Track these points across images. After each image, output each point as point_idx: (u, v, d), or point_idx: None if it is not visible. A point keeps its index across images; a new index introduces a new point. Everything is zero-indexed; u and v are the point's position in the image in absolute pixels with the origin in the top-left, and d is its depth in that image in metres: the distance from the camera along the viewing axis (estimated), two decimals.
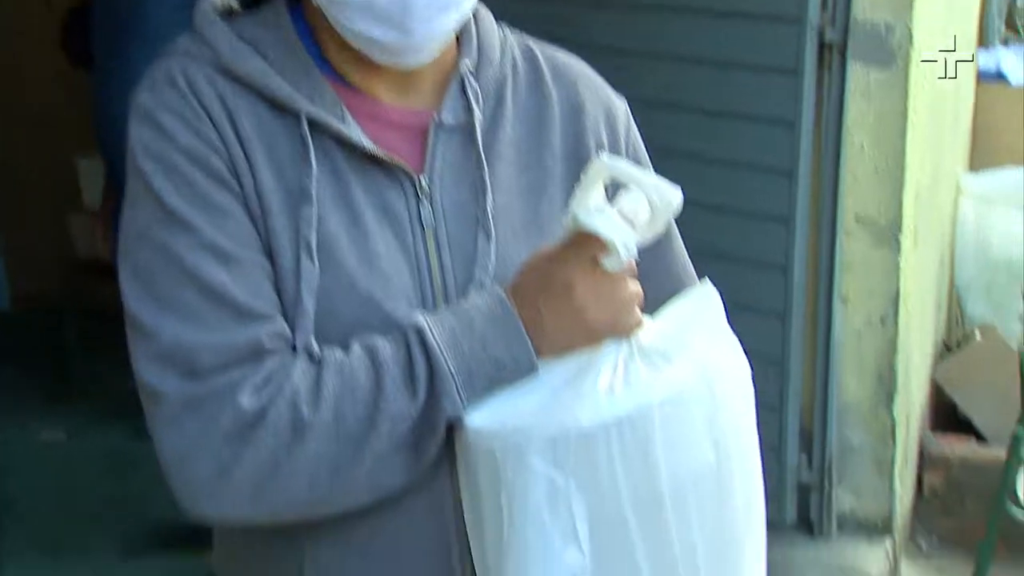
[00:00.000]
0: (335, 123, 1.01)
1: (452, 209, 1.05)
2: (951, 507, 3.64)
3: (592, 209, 0.92)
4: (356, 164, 1.02)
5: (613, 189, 0.97)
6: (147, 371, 0.97)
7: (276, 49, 1.02)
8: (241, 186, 0.99)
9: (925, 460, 3.66)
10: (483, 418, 0.97)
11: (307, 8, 1.05)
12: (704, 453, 0.94)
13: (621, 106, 1.17)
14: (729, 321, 1.02)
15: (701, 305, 1.01)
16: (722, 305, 1.01)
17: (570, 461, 0.92)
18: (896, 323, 3.16)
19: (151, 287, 0.97)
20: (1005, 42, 4.88)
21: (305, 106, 1.01)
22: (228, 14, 1.06)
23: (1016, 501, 2.95)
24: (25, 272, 4.34)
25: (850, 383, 3.25)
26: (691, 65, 2.94)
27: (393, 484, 0.99)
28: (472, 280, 1.03)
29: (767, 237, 3.12)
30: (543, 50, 1.15)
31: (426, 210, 1.04)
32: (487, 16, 1.13)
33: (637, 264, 0.99)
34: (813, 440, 3.27)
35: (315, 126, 1.01)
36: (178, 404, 0.95)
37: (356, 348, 0.98)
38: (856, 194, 3.07)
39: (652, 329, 0.99)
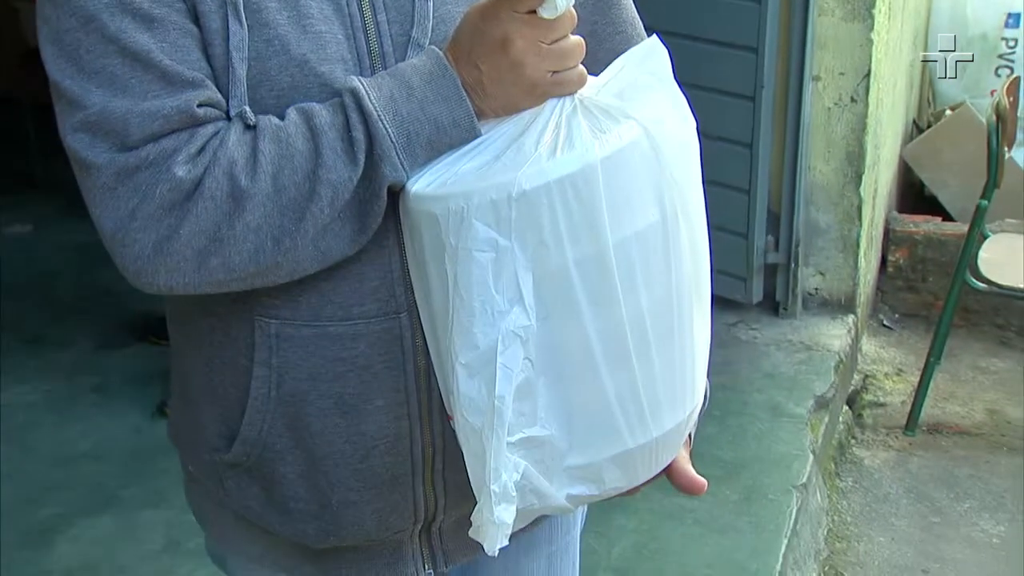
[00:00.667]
0: None
1: None
2: (914, 283, 3.72)
3: None
4: None
5: None
6: (76, 141, 0.94)
7: None
8: None
9: (890, 239, 3.70)
10: (425, 183, 0.95)
11: None
12: (649, 212, 0.93)
13: None
14: (693, 101, 0.99)
15: (647, 60, 0.98)
16: (669, 60, 0.98)
17: (513, 223, 0.91)
18: (867, 101, 3.13)
19: (73, 54, 0.93)
20: None
21: None
22: None
23: (975, 272, 3.00)
24: None
25: (818, 164, 3.25)
26: None
27: (339, 252, 0.98)
28: (410, 41, 0.99)
29: (739, 16, 3.05)
30: None
31: None
32: None
33: (580, 19, 0.95)
34: (780, 221, 3.29)
35: None
36: (111, 175, 0.93)
37: (292, 114, 0.96)
38: None
39: (596, 85, 0.96)
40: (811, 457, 2.75)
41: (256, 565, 1.18)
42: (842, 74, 3.10)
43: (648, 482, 1.02)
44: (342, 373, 1.04)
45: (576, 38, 0.95)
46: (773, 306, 3.38)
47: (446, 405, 1.03)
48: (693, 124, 0.97)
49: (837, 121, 3.17)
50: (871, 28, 3.01)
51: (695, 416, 1.04)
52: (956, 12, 3.90)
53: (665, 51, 0.98)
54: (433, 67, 0.96)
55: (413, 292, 1.02)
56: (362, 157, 0.95)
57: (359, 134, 0.94)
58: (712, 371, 1.06)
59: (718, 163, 3.16)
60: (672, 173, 0.94)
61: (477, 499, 0.94)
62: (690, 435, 1.06)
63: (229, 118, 0.96)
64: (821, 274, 3.36)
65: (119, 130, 0.92)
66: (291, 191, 0.94)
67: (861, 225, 3.28)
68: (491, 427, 0.92)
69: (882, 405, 3.33)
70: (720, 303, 3.24)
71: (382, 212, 0.97)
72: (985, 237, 3.06)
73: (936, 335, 3.11)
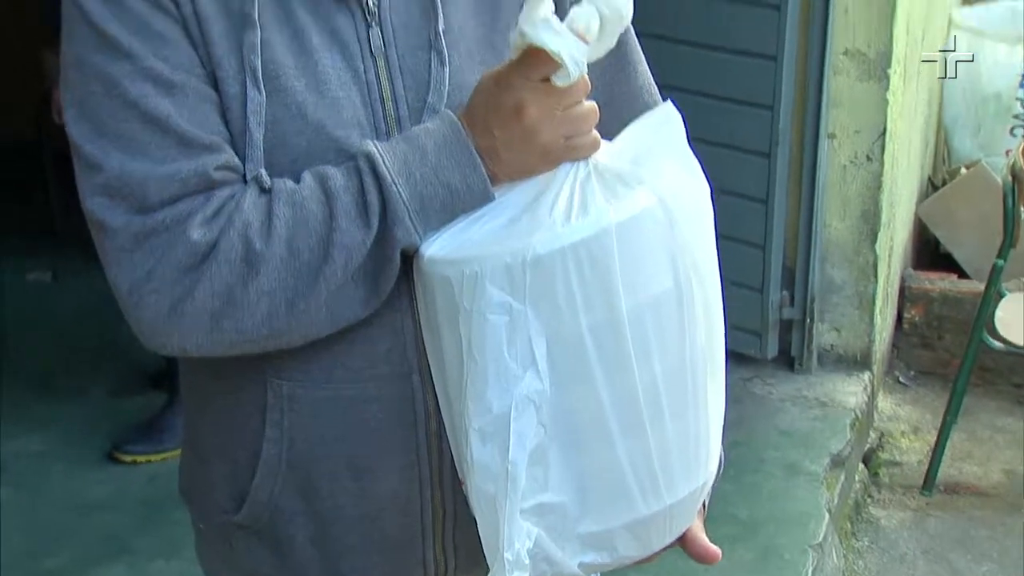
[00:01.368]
0: None
1: (403, 32, 1.01)
2: (930, 341, 3.69)
3: (540, 23, 0.89)
4: None
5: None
6: (94, 203, 0.95)
7: None
8: (180, 10, 0.95)
9: (906, 296, 3.69)
10: (439, 247, 0.96)
11: None
12: (663, 279, 0.93)
13: None
14: (709, 157, 0.99)
15: (661, 126, 0.98)
16: (683, 126, 0.98)
17: (527, 287, 0.91)
18: (882, 160, 3.13)
19: (94, 118, 0.95)
20: None
21: None
22: None
23: (992, 331, 2.98)
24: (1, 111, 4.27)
25: (834, 220, 3.25)
26: None
27: (352, 315, 0.98)
28: (426, 107, 1.00)
29: (754, 74, 3.06)
30: None
31: (375, 35, 1.00)
32: None
33: (595, 86, 0.96)
34: (796, 277, 3.29)
35: None
36: (128, 238, 0.94)
37: (307, 178, 0.96)
38: (846, 27, 3.01)
39: (610, 151, 0.96)
40: (827, 516, 2.72)
41: None
42: (857, 132, 3.11)
43: (662, 551, 1.01)
44: (354, 435, 1.03)
45: (590, 104, 0.95)
46: (788, 362, 3.36)
47: (458, 469, 1.02)
48: (708, 191, 0.98)
49: (852, 179, 3.18)
50: (887, 88, 3.02)
51: (710, 484, 1.03)
52: (970, 71, 3.91)
53: (680, 117, 0.99)
54: (447, 132, 0.96)
55: (426, 355, 1.02)
56: (376, 221, 0.95)
57: (373, 198, 0.95)
58: (727, 427, 1.05)
59: (734, 218, 3.16)
60: (686, 240, 0.94)
61: (489, 566, 0.93)
62: (704, 503, 1.06)
63: (245, 181, 0.97)
64: (837, 330, 3.35)
65: (137, 193, 0.94)
66: (305, 254, 0.95)
67: (877, 282, 3.27)
68: (504, 493, 0.92)
69: (898, 464, 3.29)
70: (735, 358, 3.23)
71: (395, 275, 0.98)
72: (1002, 296, 3.04)
73: (953, 394, 3.08)
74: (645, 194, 0.92)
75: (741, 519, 2.67)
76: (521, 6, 1.01)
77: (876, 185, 3.16)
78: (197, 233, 0.94)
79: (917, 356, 3.71)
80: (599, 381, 0.93)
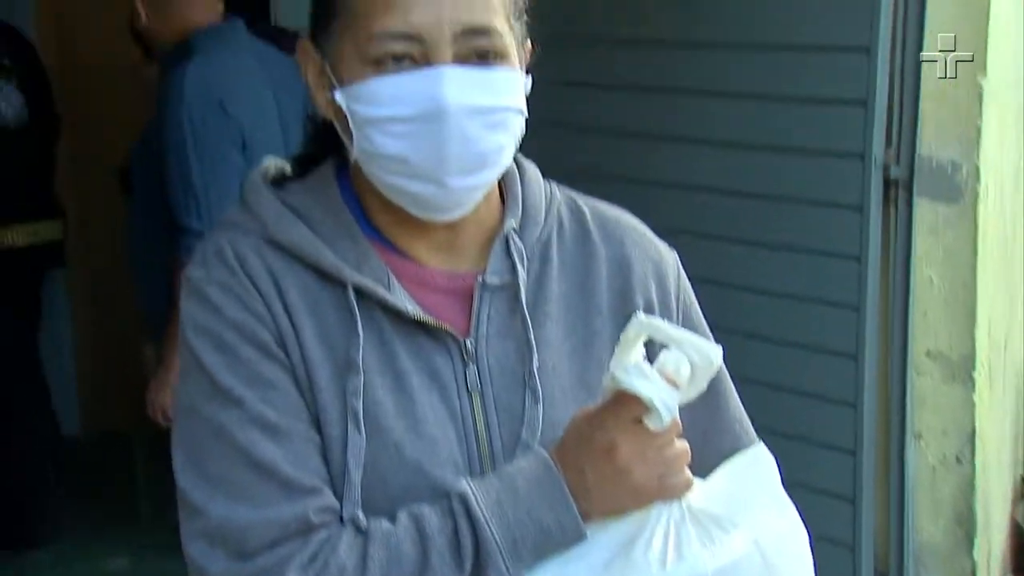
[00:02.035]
0: (381, 291, 1.02)
1: (499, 371, 1.04)
2: None
3: (631, 368, 0.91)
4: (402, 329, 1.03)
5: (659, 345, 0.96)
6: (195, 548, 0.97)
7: (323, 216, 1.05)
8: (289, 357, 1.00)
9: None
10: None
11: (352, 172, 1.08)
12: None
13: (670, 259, 1.16)
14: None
15: (754, 468, 0.99)
16: (777, 469, 0.98)
17: None
18: (973, 462, 3.06)
19: (201, 464, 0.99)
20: None
21: (351, 276, 1.02)
22: (277, 181, 1.09)
23: None
24: (96, 398, 4.41)
25: (926, 524, 3.14)
26: (756, 200, 2.95)
27: None
28: (519, 443, 1.02)
29: (836, 372, 3.07)
30: (590, 206, 1.15)
31: (472, 373, 1.04)
32: (534, 174, 1.14)
33: (686, 422, 0.97)
34: None
35: (361, 293, 1.02)
36: None
37: (403, 518, 0.98)
38: (926, 329, 3.02)
39: (703, 491, 0.96)
40: None
41: None
42: (945, 434, 3.06)
43: None
44: None
45: (682, 444, 0.96)
46: None
47: None
48: (804, 534, 0.96)
49: (943, 481, 3.09)
50: (972, 390, 3.00)
51: None
52: None
53: (772, 459, 0.99)
54: (540, 470, 0.98)
55: None
56: (469, 563, 0.96)
57: (466, 540, 0.96)
58: None
59: (820, 518, 3.07)
60: None
61: None
62: None
63: (342, 520, 0.98)
64: None
65: (238, 539, 0.96)
66: None
67: None
68: None
69: None
70: None
71: None
72: None
73: None
74: (741, 539, 0.91)
75: None
76: (612, 345, 1.04)
77: (969, 488, 3.07)
78: None
79: None
80: None
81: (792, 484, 0.98)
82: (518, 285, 1.06)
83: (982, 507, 3.13)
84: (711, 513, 0.94)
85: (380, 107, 0.98)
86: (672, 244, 1.19)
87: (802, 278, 2.94)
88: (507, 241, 1.08)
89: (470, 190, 1.02)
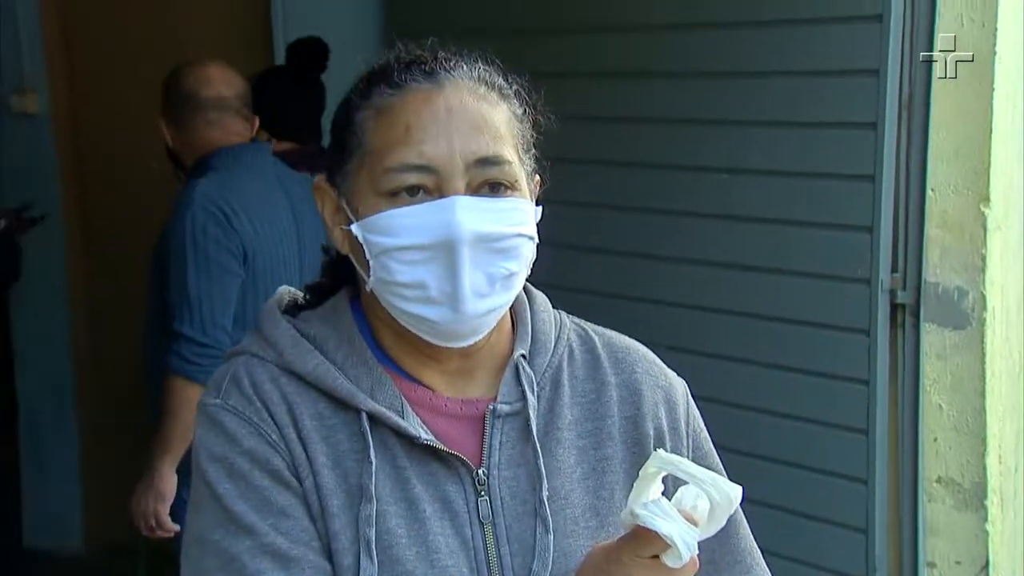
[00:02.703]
0: (394, 417, 1.03)
1: (510, 499, 1.05)
2: None
3: (650, 506, 0.92)
4: (416, 456, 1.04)
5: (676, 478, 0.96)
6: None
7: (338, 344, 1.06)
8: (302, 484, 1.01)
9: None
10: None
11: (364, 303, 1.10)
12: None
13: (680, 387, 1.17)
14: None
15: None
16: None
17: None
18: None
19: None
20: None
21: (365, 402, 1.03)
22: (292, 308, 1.11)
23: None
24: (100, 514, 4.36)
25: None
26: (762, 322, 2.96)
27: None
28: (530, 574, 1.02)
29: (846, 496, 3.04)
30: (600, 334, 1.17)
31: (484, 504, 1.04)
32: (543, 303, 1.16)
33: (701, 550, 0.97)
34: None
35: (375, 420, 1.04)
36: None
37: None
38: (936, 456, 3.00)
39: None
40: None
41: None
42: (958, 563, 3.01)
43: None
44: None
45: None
46: None
47: None
48: None
49: None
50: (985, 519, 2.96)
51: None
52: None
53: None
54: None
55: None
56: None
57: None
58: None
59: None
60: None
61: None
62: None
63: None
64: None
65: None
66: None
67: None
68: None
69: None
70: None
71: None
72: None
73: None
74: None
75: None
76: (625, 474, 1.04)
77: None
78: None
79: None
80: None
81: None
82: (528, 413, 1.07)
83: None
84: None
85: (396, 237, 1.01)
86: (678, 363, 1.20)
87: (810, 400, 2.93)
88: (517, 368, 1.09)
89: (484, 315, 1.03)
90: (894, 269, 2.76)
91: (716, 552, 1.09)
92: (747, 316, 2.98)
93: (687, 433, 1.15)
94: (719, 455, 1.17)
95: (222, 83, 2.64)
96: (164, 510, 2.53)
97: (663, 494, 0.94)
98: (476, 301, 1.02)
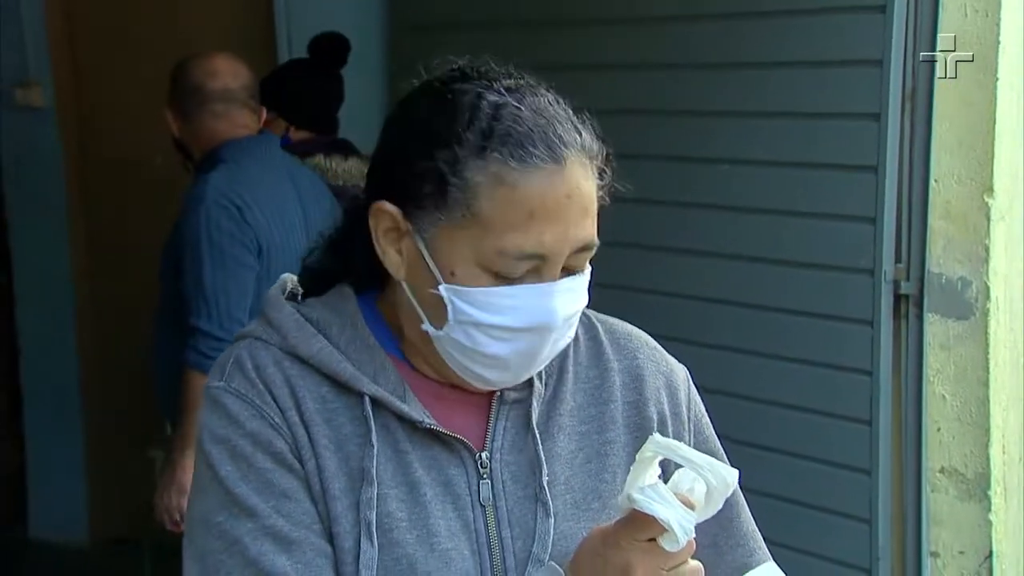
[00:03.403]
0: (396, 402, 1.04)
1: (512, 483, 1.05)
2: None
3: (647, 490, 0.92)
4: (417, 440, 1.04)
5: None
6: None
7: (341, 328, 1.07)
8: (304, 467, 1.01)
9: None
10: None
11: (382, 301, 1.09)
12: None
13: (681, 373, 1.18)
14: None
15: None
16: None
17: None
18: None
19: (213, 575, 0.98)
20: None
21: (368, 386, 1.04)
22: (295, 295, 1.11)
23: None
24: (104, 509, 4.38)
25: None
26: (765, 313, 2.96)
27: None
28: (531, 557, 1.02)
29: (849, 488, 3.04)
30: (602, 321, 1.18)
31: (486, 487, 1.05)
32: None
33: (699, 536, 0.97)
34: None
35: (377, 403, 1.04)
36: None
37: None
38: (939, 446, 3.00)
39: None
40: None
41: None
42: (962, 553, 3.01)
43: None
44: None
45: (695, 564, 0.97)
46: None
47: None
48: None
49: None
50: (988, 509, 2.96)
51: None
52: None
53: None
54: None
55: None
56: None
57: None
58: None
59: None
60: None
61: None
62: None
63: None
64: None
65: None
66: None
67: None
68: None
69: None
70: None
71: None
72: None
73: None
74: None
75: None
76: (628, 458, 1.05)
77: None
78: None
79: None
80: None
81: None
82: (532, 400, 1.08)
83: None
84: None
85: (493, 315, 1.00)
86: (683, 355, 1.21)
87: (814, 391, 2.93)
88: None
89: (532, 372, 1.06)
90: (897, 260, 2.76)
91: (719, 536, 1.10)
92: (750, 307, 2.98)
93: (688, 418, 1.16)
94: (722, 446, 1.18)
95: (229, 75, 2.64)
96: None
97: (661, 478, 0.94)
98: (537, 367, 1.05)
